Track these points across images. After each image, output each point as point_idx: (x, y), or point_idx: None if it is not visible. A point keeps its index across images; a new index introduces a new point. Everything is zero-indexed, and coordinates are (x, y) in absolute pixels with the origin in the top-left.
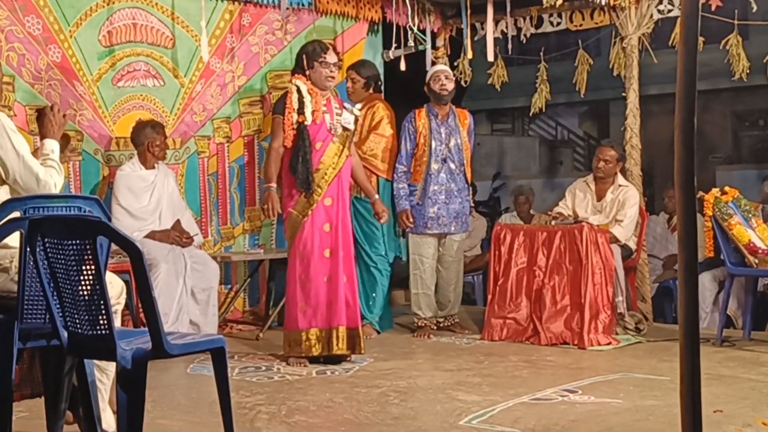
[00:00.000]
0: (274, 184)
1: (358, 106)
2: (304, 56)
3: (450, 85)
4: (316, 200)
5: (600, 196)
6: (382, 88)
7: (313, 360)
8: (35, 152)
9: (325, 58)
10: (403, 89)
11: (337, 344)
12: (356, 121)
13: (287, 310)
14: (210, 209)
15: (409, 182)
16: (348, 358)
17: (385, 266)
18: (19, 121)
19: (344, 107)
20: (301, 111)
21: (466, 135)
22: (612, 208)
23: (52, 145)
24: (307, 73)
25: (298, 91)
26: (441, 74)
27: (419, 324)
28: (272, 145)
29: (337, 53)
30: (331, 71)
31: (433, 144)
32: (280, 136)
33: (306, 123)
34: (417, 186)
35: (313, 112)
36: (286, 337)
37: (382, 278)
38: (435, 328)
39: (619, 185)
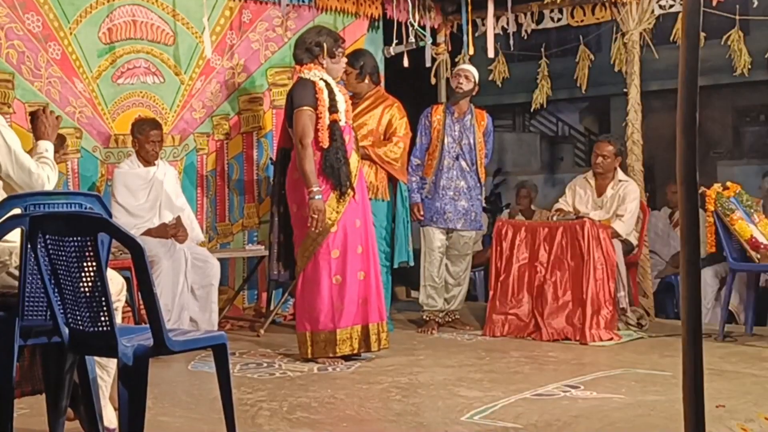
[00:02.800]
0: (318, 188)
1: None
2: (324, 44)
3: (466, 85)
4: (349, 196)
5: (600, 192)
6: (381, 78)
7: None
8: (30, 151)
9: (343, 48)
10: (404, 85)
11: (374, 341)
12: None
13: (314, 311)
14: (206, 206)
15: (420, 175)
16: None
17: (384, 263)
18: (19, 119)
19: None
20: (333, 109)
21: (482, 136)
22: (612, 203)
23: (45, 145)
24: (324, 62)
25: (327, 86)
26: (461, 72)
27: (425, 317)
28: (304, 143)
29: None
30: (345, 63)
31: (446, 140)
32: (312, 133)
33: (340, 123)
34: (428, 180)
35: (345, 112)
36: (311, 339)
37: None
38: (441, 323)
39: (619, 180)
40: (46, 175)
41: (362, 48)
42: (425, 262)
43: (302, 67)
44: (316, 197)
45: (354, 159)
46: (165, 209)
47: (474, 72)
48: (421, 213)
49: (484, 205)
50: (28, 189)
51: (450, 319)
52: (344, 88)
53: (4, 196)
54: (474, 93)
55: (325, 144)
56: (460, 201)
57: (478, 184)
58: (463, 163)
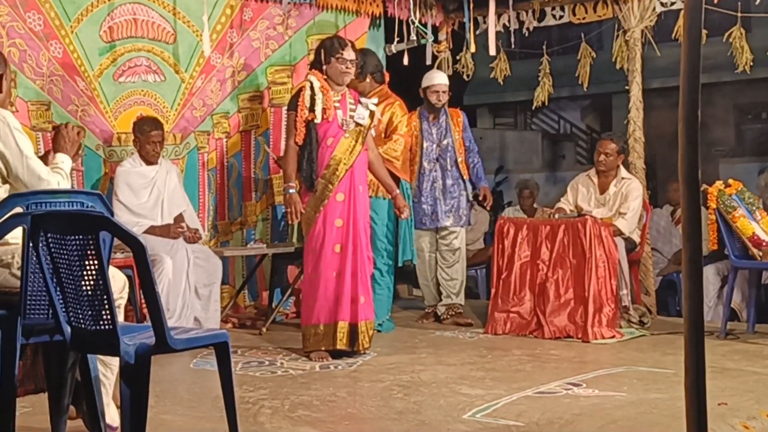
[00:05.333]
0: (293, 184)
1: (374, 100)
2: (322, 51)
3: (444, 98)
4: (327, 196)
5: (603, 190)
6: (386, 77)
7: (338, 354)
8: (43, 157)
9: (342, 53)
10: (405, 82)
11: (340, 339)
12: (372, 115)
13: (302, 305)
14: (208, 204)
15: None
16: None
17: (386, 262)
18: (21, 117)
19: (360, 102)
20: (312, 108)
21: (460, 133)
22: (615, 201)
23: (62, 158)
24: (324, 68)
25: (311, 88)
26: (439, 89)
27: (426, 310)
28: (288, 143)
29: (356, 50)
30: (347, 67)
31: (425, 144)
32: (293, 134)
33: (316, 121)
34: (411, 185)
35: (323, 110)
36: (302, 332)
37: (382, 277)
38: (439, 315)
39: (622, 178)
40: (56, 181)
41: (364, 48)
42: (417, 262)
43: (308, 73)
44: (289, 191)
45: (337, 158)
46: (167, 208)
47: (445, 80)
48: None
49: (470, 199)
50: None
51: (453, 313)
52: (352, 92)
53: None
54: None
55: (300, 140)
56: (446, 199)
57: (460, 180)
58: (443, 163)
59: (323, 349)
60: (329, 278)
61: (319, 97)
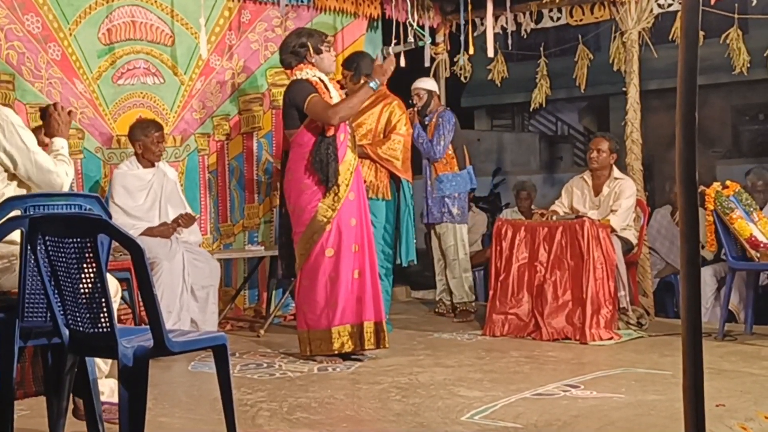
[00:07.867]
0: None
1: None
2: (309, 45)
3: (419, 101)
4: (342, 195)
5: (597, 191)
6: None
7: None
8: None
9: (327, 40)
10: (401, 84)
11: (368, 339)
12: None
13: (310, 310)
14: (210, 207)
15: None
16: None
17: (384, 265)
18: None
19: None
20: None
21: (432, 133)
22: (609, 201)
23: (61, 143)
24: (314, 60)
25: (321, 81)
26: (413, 92)
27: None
28: (332, 111)
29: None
30: (335, 54)
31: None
32: (329, 103)
33: None
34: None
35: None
36: (308, 337)
37: (381, 280)
38: (449, 310)
39: (615, 178)
40: (64, 171)
41: (357, 51)
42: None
43: (293, 70)
44: (372, 83)
45: (349, 156)
46: (164, 211)
47: (422, 85)
48: None
49: (435, 194)
50: (46, 187)
51: (459, 309)
52: (336, 83)
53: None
54: (432, 99)
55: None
56: (427, 195)
57: (428, 178)
58: (426, 162)
59: (347, 351)
60: (350, 279)
61: (334, 94)
